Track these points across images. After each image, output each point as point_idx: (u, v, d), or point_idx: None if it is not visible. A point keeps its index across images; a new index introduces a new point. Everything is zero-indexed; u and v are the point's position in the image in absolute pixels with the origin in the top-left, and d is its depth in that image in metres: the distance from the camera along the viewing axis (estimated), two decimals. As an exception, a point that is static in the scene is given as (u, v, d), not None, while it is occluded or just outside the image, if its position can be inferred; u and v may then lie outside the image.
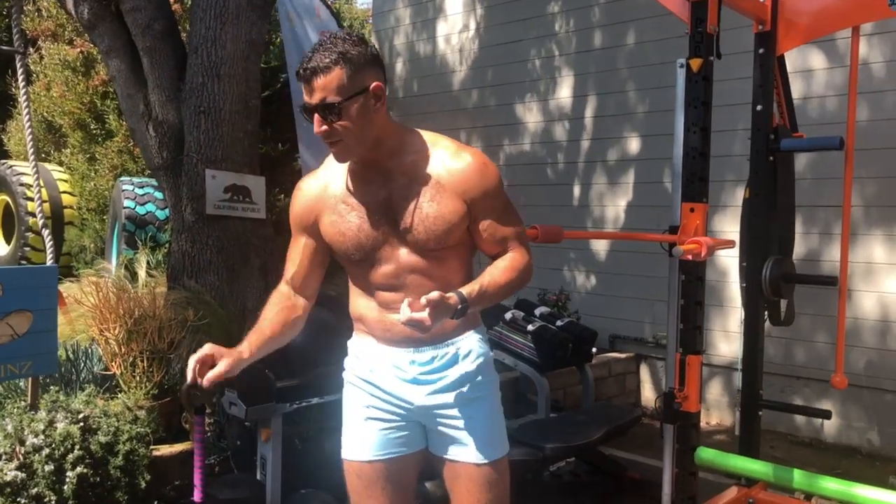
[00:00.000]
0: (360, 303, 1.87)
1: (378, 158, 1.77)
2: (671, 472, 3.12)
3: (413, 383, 1.82)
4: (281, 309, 1.89)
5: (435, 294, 1.59)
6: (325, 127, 1.68)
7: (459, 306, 1.65)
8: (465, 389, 1.83)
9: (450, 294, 1.64)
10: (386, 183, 1.78)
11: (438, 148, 1.79)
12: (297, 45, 4.77)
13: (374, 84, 1.71)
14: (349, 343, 1.96)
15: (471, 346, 1.85)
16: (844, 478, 3.09)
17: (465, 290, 1.69)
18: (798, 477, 2.86)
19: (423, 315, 1.56)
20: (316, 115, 1.68)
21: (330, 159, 1.85)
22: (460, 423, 1.82)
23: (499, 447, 1.86)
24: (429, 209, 1.75)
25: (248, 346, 1.83)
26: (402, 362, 1.83)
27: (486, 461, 1.82)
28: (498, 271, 1.79)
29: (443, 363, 1.82)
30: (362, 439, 1.87)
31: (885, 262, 4.31)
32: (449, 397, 1.82)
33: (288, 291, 1.92)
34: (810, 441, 4.55)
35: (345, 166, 1.82)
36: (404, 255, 1.78)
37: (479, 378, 1.85)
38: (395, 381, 1.84)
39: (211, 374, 1.75)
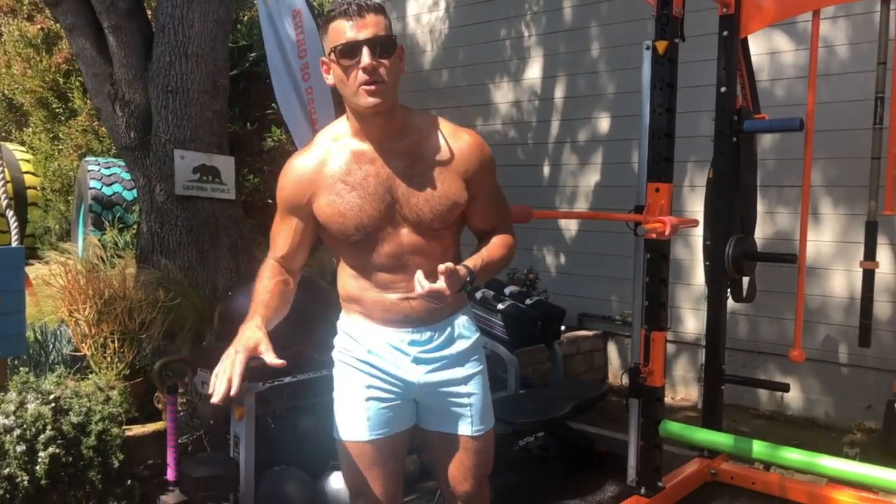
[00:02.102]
0: (354, 284, 1.87)
1: (387, 133, 1.77)
2: (637, 445, 3.23)
3: (414, 363, 1.87)
4: (277, 282, 1.85)
5: (449, 264, 1.64)
6: (374, 61, 1.66)
7: (468, 278, 1.71)
8: (462, 367, 1.91)
9: (459, 266, 1.70)
10: (389, 162, 1.77)
11: (438, 128, 1.83)
12: (272, 26, 4.71)
13: (400, 45, 1.76)
14: (340, 324, 1.95)
15: (464, 325, 1.93)
16: (801, 448, 3.22)
17: (470, 263, 1.76)
18: (757, 448, 2.98)
19: (443, 285, 1.62)
20: (367, 49, 1.66)
21: (322, 136, 1.84)
22: (457, 398, 1.91)
23: (488, 419, 1.97)
24: (433, 188, 1.77)
25: (264, 322, 1.74)
26: (401, 343, 1.86)
27: (479, 433, 1.93)
28: (494, 248, 1.87)
29: (441, 342, 1.88)
30: (362, 420, 1.87)
31: (845, 240, 4.43)
32: (448, 374, 1.89)
33: (278, 266, 1.89)
34: (771, 414, 4.70)
35: (344, 144, 1.79)
36: (405, 234, 1.79)
37: (474, 355, 1.94)
38: (395, 362, 1.86)
39: (276, 362, 1.66)
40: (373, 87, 1.67)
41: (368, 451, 1.87)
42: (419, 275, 1.64)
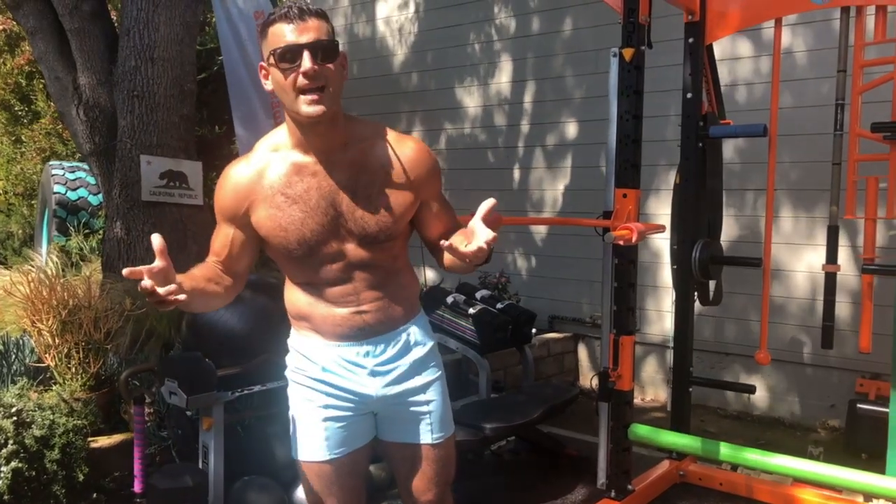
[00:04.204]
0: (302, 300, 1.80)
1: (329, 144, 1.70)
2: (607, 449, 3.25)
3: (371, 376, 1.81)
4: (208, 266, 1.77)
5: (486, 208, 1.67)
6: (316, 66, 1.59)
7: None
8: (419, 375, 1.87)
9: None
10: (332, 174, 1.71)
11: (381, 136, 1.76)
12: (231, 26, 4.67)
13: (343, 52, 1.68)
14: (291, 342, 1.89)
15: (419, 333, 1.88)
16: (767, 448, 3.28)
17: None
18: (724, 450, 3.02)
19: (486, 242, 1.65)
20: (308, 53, 1.59)
21: (262, 144, 1.77)
22: (416, 408, 1.87)
23: (449, 426, 1.93)
24: (378, 201, 1.72)
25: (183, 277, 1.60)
26: (356, 357, 1.80)
27: (439, 440, 1.89)
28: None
29: (396, 352, 1.83)
30: (320, 440, 1.83)
31: (807, 242, 4.52)
32: (406, 385, 1.85)
33: (213, 264, 1.79)
34: (738, 414, 4.77)
35: (284, 155, 1.72)
36: (352, 248, 1.74)
37: (432, 362, 1.90)
38: (350, 377, 1.81)
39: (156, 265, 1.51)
40: (315, 96, 1.60)
41: (328, 471, 1.84)
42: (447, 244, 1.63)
